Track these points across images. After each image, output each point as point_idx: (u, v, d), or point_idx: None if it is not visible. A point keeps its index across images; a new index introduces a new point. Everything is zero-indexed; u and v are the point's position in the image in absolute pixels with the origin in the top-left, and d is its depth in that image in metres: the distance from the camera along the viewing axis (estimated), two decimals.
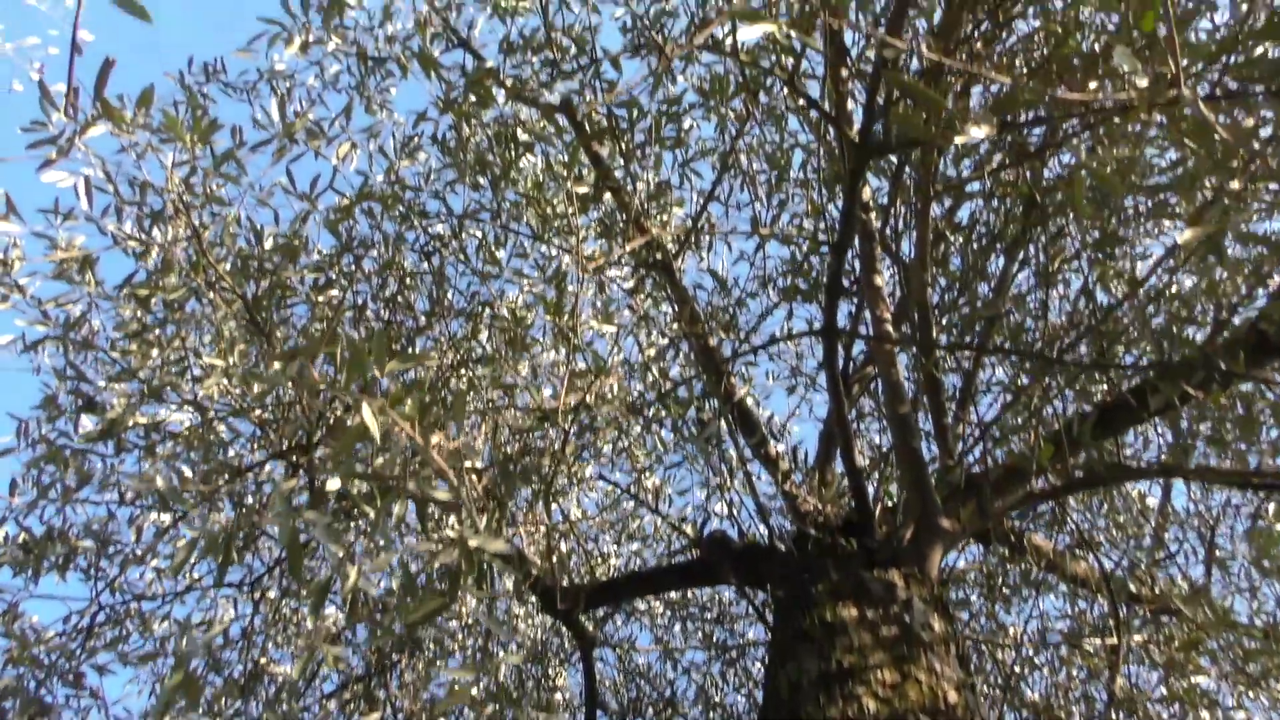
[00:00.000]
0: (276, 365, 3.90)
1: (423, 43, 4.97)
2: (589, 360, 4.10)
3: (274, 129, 4.63)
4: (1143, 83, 2.71)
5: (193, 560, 3.25)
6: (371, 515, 3.22)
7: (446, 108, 4.91)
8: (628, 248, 4.02)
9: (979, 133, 2.61)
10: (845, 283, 4.48)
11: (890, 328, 4.41)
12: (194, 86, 5.72)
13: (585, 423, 4.26)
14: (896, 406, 3.93)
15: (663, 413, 4.59)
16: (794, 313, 4.99)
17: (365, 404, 2.46)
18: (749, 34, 2.62)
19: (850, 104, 4.62)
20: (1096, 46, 4.20)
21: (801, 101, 4.10)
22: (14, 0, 7.46)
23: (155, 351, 4.57)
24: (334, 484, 3.18)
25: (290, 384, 3.53)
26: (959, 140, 2.61)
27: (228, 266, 4.78)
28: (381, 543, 2.75)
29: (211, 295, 4.63)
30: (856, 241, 4.59)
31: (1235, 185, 2.73)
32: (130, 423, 4.73)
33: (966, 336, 5.40)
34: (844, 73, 3.54)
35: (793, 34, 2.67)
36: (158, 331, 4.60)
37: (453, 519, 3.31)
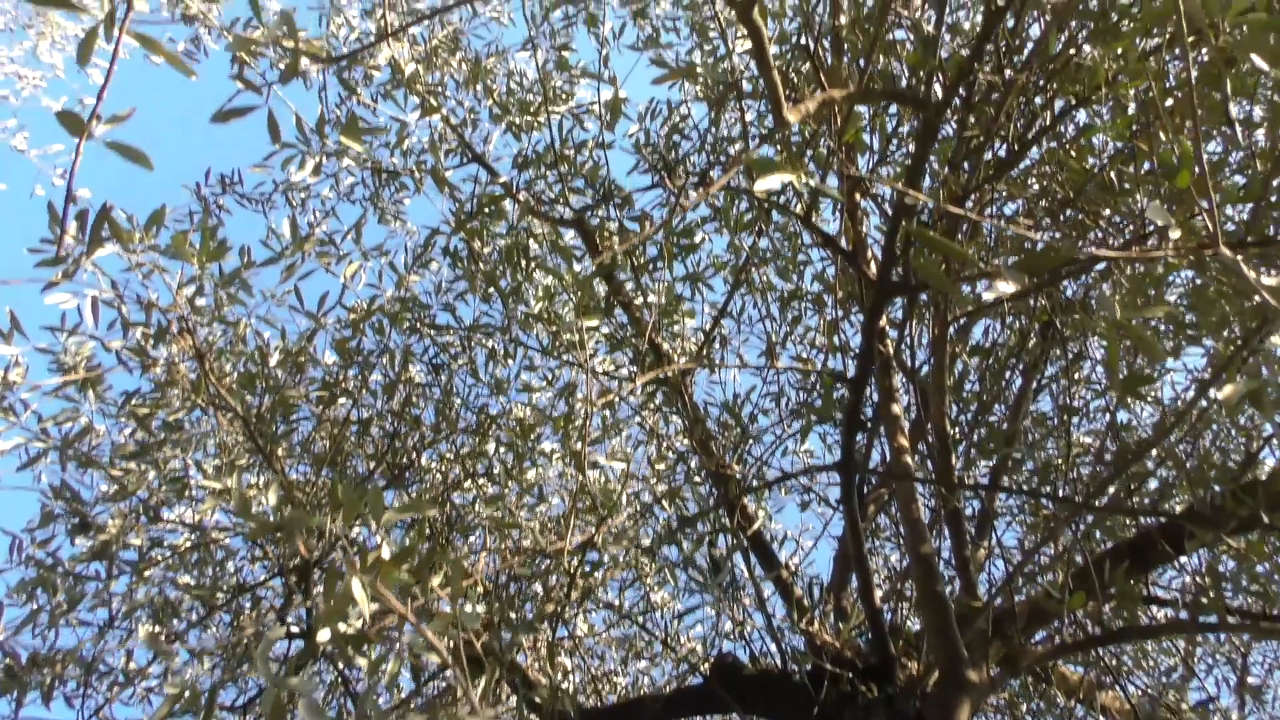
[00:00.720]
0: (271, 500, 3.72)
1: (436, 160, 4.91)
2: (596, 495, 3.90)
3: (285, 244, 4.55)
4: (1176, 234, 2.58)
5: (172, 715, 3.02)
6: (364, 665, 3.00)
7: (459, 227, 4.82)
8: (639, 381, 3.85)
9: (1006, 288, 2.47)
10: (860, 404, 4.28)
11: (908, 458, 4.21)
12: (209, 198, 5.69)
13: (593, 560, 4.05)
14: (918, 546, 3.71)
15: (673, 549, 4.36)
16: (810, 426, 4.79)
17: (354, 577, 2.26)
18: (766, 184, 2.50)
19: (865, 216, 4.52)
20: (1112, 175, 4.10)
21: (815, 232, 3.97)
22: (41, 110, 7.54)
23: (153, 473, 4.41)
24: (324, 636, 2.97)
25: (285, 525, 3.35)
26: (987, 297, 2.47)
27: (233, 380, 4.65)
28: (372, 715, 2.52)
29: (213, 413, 4.49)
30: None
31: (1276, 339, 2.56)
32: (124, 543, 4.54)
33: (984, 462, 5.19)
34: (858, 197, 3.42)
35: (811, 181, 2.55)
36: (157, 452, 4.44)
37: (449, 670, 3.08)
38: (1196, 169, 2.46)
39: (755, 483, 4.71)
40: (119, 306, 4.32)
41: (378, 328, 5.00)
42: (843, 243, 3.64)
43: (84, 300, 4.36)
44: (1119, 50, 3.91)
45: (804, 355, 5.25)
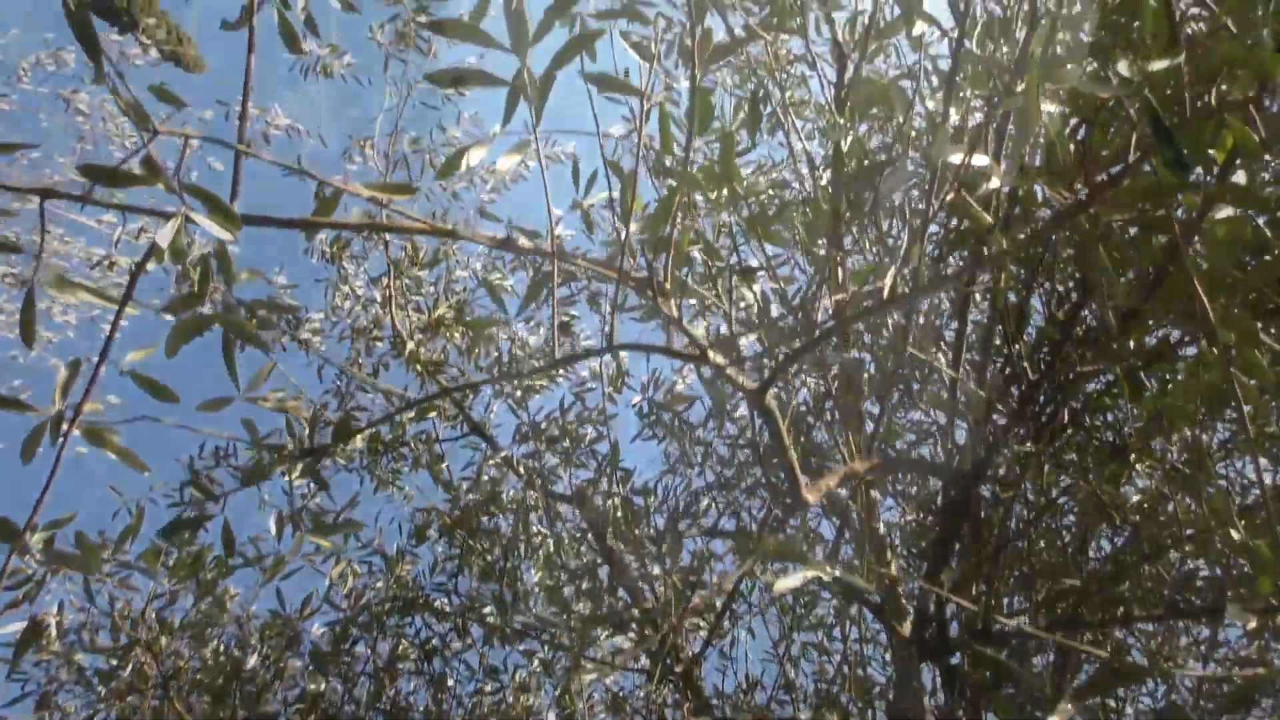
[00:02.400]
0: None
1: (433, 459, 4.62)
2: None
3: (270, 548, 4.18)
4: (1252, 624, 2.20)
5: None
6: None
7: (456, 524, 4.46)
8: None
9: (1067, 707, 2.06)
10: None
11: None
12: (201, 472, 5.37)
13: None
14: None
15: None
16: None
17: None
18: (788, 584, 2.14)
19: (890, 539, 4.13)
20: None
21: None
22: (49, 369, 7.39)
23: None
24: None
25: None
26: None
27: (201, 688, 4.14)
28: None
29: None
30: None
31: None
32: None
33: None
34: (889, 554, 3.05)
35: (838, 573, 2.19)
36: None
37: None
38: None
39: None
40: (84, 623, 3.90)
41: (365, 626, 4.53)
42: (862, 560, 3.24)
43: (50, 620, 3.95)
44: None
45: (821, 642, 4.75)
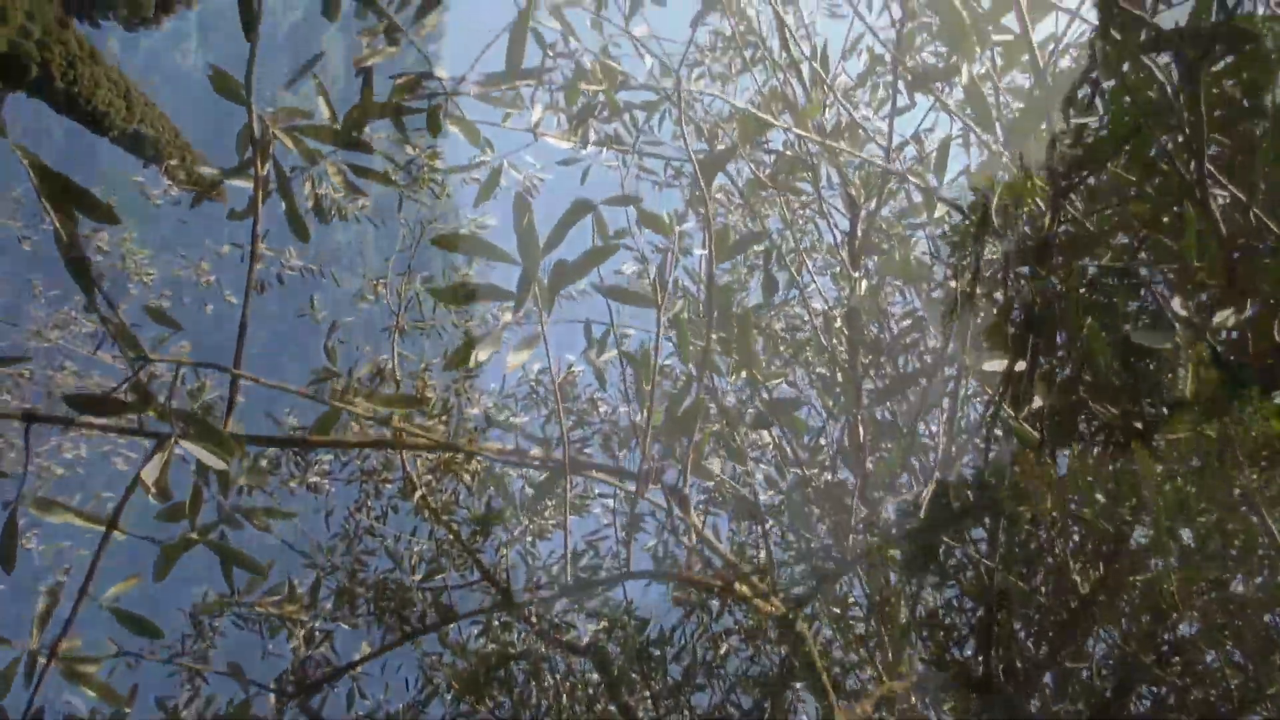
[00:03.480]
0: None
1: (441, 617, 4.41)
2: None
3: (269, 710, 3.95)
4: None
5: None
6: None
7: (465, 689, 4.23)
8: None
9: None
10: None
11: None
12: (205, 621, 5.15)
13: None
14: None
15: None
16: None
17: None
18: None
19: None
20: None
21: None
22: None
23: None
24: None
25: None
26: None
27: None
28: None
29: None
30: None
31: None
32: None
33: None
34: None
35: None
36: None
37: None
38: None
39: None
40: None
41: None
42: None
43: None
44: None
45: None
